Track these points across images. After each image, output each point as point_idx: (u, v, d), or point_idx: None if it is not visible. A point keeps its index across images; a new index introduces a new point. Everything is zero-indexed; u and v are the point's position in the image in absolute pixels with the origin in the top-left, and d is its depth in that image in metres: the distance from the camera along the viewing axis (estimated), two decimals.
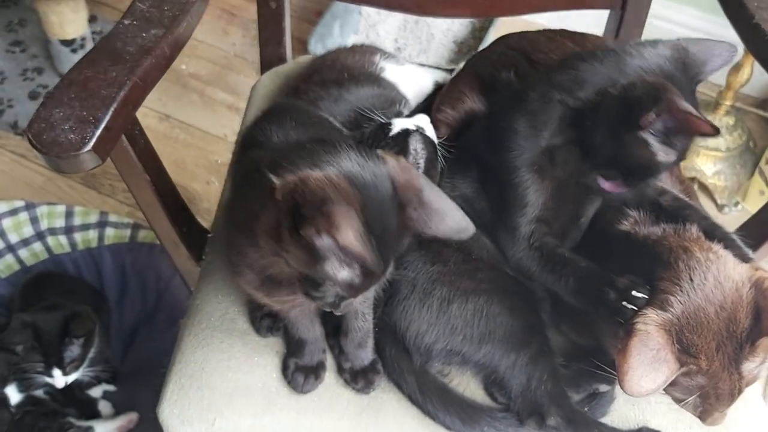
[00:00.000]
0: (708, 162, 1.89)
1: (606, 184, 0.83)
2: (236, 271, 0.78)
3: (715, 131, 0.73)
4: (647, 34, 1.24)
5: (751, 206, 1.89)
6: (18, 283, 1.55)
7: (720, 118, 1.90)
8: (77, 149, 0.73)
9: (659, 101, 0.73)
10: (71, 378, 1.34)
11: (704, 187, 1.90)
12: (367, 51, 1.16)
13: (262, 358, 0.92)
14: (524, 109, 0.84)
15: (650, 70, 0.77)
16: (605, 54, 0.79)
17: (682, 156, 0.79)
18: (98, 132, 0.74)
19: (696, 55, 0.80)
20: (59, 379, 1.33)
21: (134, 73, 0.79)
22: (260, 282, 0.76)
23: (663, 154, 0.77)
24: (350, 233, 0.60)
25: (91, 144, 0.73)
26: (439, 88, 1.14)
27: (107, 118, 0.75)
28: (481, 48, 2.00)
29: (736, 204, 1.90)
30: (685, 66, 0.79)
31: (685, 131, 0.75)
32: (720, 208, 1.89)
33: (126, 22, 0.86)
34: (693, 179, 1.89)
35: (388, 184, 0.67)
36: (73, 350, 1.32)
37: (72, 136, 0.73)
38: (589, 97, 0.79)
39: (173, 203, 0.98)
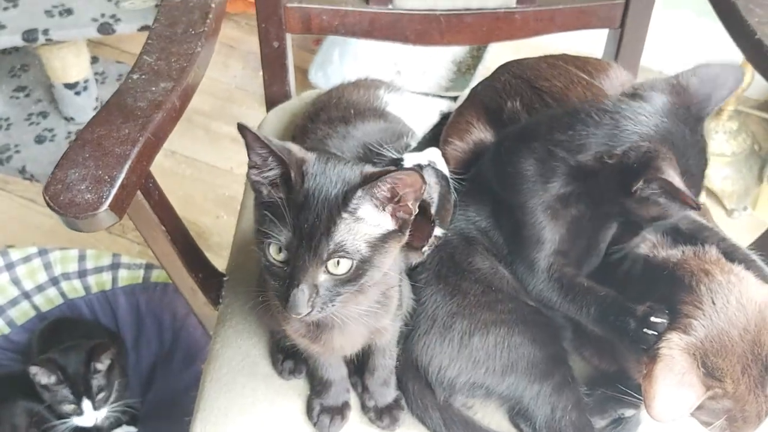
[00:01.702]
0: (714, 167, 1.89)
1: None
2: (285, 323, 0.79)
3: (697, 207, 0.75)
4: (647, 49, 1.25)
5: (762, 213, 1.87)
6: (34, 330, 1.56)
7: (723, 123, 1.90)
8: (94, 209, 0.73)
9: (648, 170, 0.74)
10: (101, 414, 1.35)
11: (712, 193, 1.89)
12: (371, 85, 1.17)
13: (286, 401, 0.92)
14: (531, 157, 0.84)
15: (645, 133, 0.77)
16: (601, 115, 0.79)
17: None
18: (114, 190, 0.75)
19: (698, 91, 0.80)
20: (89, 415, 1.34)
21: (146, 129, 0.80)
22: (306, 329, 0.78)
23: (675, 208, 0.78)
24: None
25: (108, 203, 0.74)
26: (444, 117, 1.15)
27: (122, 175, 0.76)
28: (479, 67, 2.04)
29: (745, 208, 1.90)
30: (688, 107, 0.79)
31: (673, 198, 0.76)
32: (729, 213, 1.88)
33: (134, 76, 0.87)
34: None
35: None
36: (100, 379, 1.34)
37: (89, 196, 0.74)
38: (588, 160, 0.79)
39: (188, 251, 0.98)
